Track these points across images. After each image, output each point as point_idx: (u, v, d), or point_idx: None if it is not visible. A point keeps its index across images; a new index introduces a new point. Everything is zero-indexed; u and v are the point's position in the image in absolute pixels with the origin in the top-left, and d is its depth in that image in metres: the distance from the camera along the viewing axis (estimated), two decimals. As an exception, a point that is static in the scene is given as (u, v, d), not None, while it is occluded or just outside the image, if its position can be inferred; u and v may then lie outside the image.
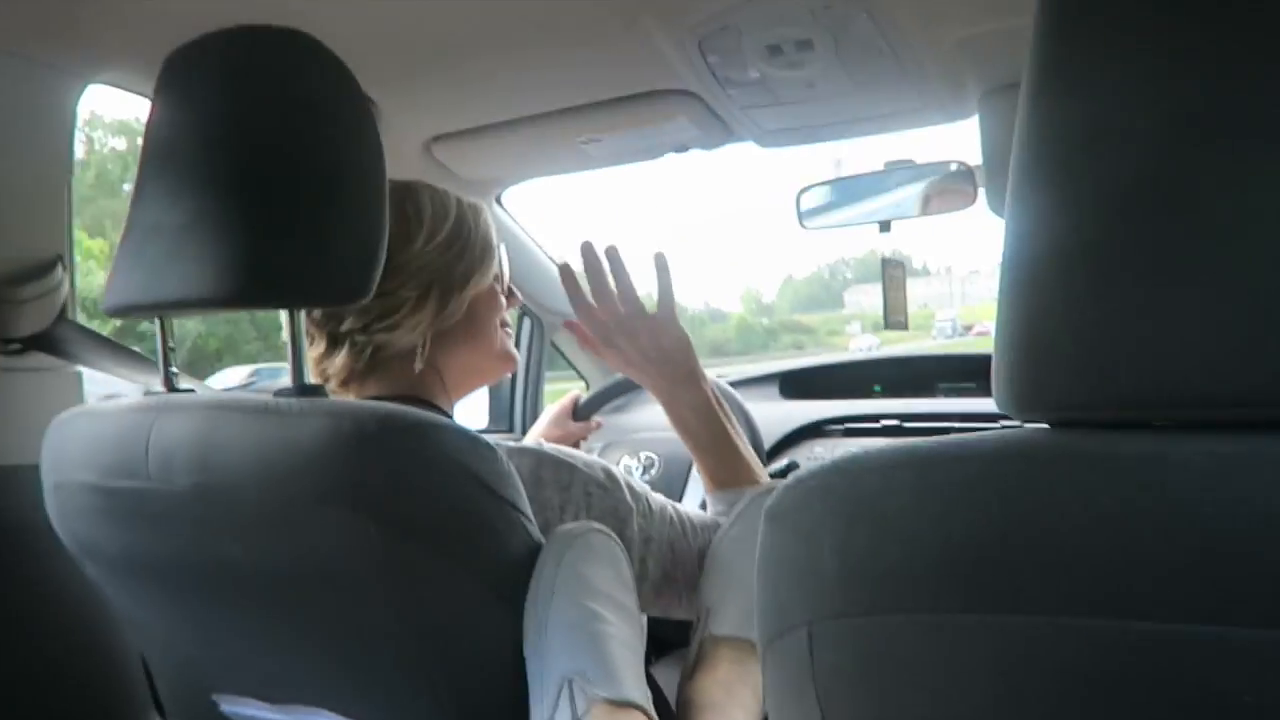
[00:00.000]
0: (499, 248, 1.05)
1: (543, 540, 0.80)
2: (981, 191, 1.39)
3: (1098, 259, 0.45)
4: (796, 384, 2.08)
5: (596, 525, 0.84)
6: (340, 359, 0.96)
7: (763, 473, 1.13)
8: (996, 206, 1.27)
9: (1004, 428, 1.47)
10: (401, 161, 1.51)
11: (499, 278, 1.07)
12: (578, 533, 0.81)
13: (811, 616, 0.52)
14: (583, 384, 2.30)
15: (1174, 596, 0.41)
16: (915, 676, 0.49)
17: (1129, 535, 0.43)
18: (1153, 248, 0.43)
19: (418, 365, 0.97)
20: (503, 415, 2.13)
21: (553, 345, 2.19)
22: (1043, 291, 0.47)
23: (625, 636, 0.80)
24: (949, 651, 0.47)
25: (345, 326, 0.95)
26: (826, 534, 0.52)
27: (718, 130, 1.39)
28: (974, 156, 1.47)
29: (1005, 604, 0.45)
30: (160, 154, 0.82)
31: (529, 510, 0.79)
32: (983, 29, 1.12)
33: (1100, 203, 0.45)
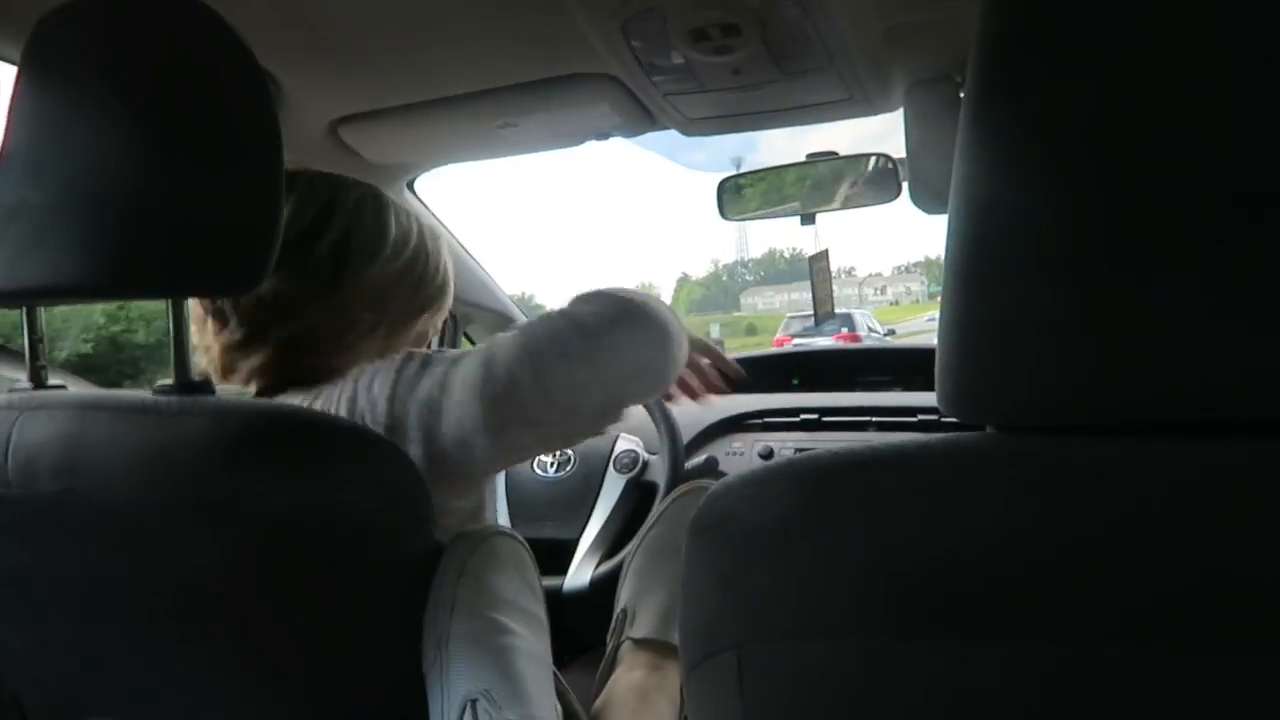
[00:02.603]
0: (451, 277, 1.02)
1: (443, 544, 0.75)
2: (905, 186, 1.37)
3: (1049, 257, 0.43)
4: None
5: (500, 528, 0.79)
6: (264, 359, 0.90)
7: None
8: (920, 201, 1.26)
9: (921, 421, 1.46)
10: (306, 144, 1.43)
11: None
12: (481, 537, 0.76)
13: (741, 639, 0.49)
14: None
15: (1137, 613, 0.39)
16: (853, 706, 0.46)
17: (1086, 548, 0.40)
18: (1106, 245, 0.41)
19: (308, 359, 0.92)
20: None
21: (465, 336, 2.13)
22: (990, 291, 0.45)
23: (533, 649, 0.76)
24: (894, 680, 0.44)
25: (284, 333, 0.89)
26: (758, 548, 0.48)
27: (640, 117, 1.35)
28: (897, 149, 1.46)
29: (957, 627, 0.42)
30: (28, 125, 0.74)
31: (432, 513, 0.74)
32: (911, 19, 1.10)
33: (1050, 200, 0.43)
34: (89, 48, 0.73)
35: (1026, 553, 0.41)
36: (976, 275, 0.45)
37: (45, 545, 0.73)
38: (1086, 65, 0.42)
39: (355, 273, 0.91)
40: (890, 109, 1.31)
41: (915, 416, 1.63)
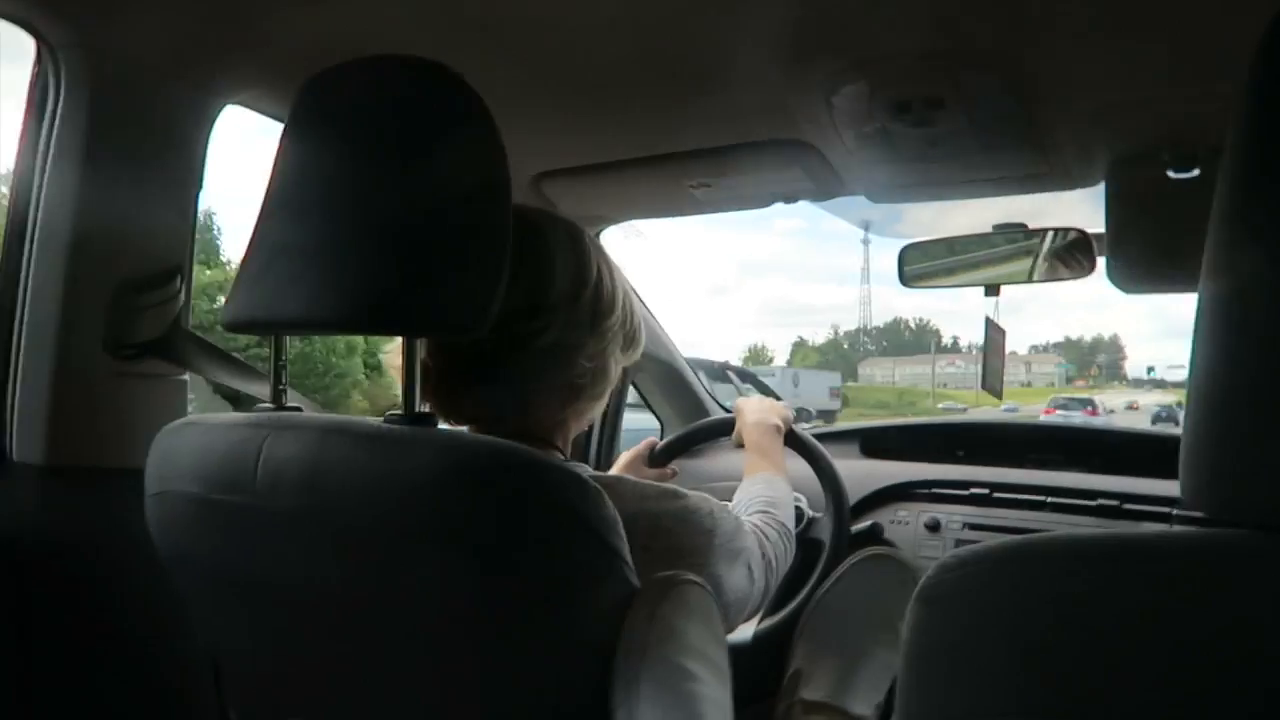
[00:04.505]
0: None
1: (637, 588, 0.77)
2: (1101, 261, 1.34)
3: None
4: (878, 443, 2.03)
5: (690, 576, 0.80)
6: (478, 394, 0.94)
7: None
8: (1119, 280, 1.23)
9: (1101, 506, 1.39)
10: (510, 197, 1.52)
11: None
12: (672, 584, 0.78)
13: (973, 711, 0.49)
14: (658, 425, 2.29)
15: None
16: None
17: None
18: None
19: (549, 411, 0.96)
20: (579, 451, 2.12)
21: (633, 385, 2.18)
22: (1257, 378, 0.44)
23: (718, 697, 0.77)
24: None
25: (559, 381, 0.94)
26: (995, 623, 0.49)
27: (831, 182, 1.38)
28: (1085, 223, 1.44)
29: (1209, 715, 0.42)
30: (291, 175, 0.82)
31: (630, 557, 0.76)
32: (1119, 97, 1.10)
33: None
34: (347, 106, 0.81)
35: None
36: (1239, 360, 0.45)
37: (280, 552, 0.79)
38: None
39: (604, 320, 0.95)
40: (1090, 184, 1.30)
41: (1095, 500, 1.57)
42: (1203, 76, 1.02)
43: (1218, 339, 0.46)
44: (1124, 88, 1.07)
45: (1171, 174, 1.19)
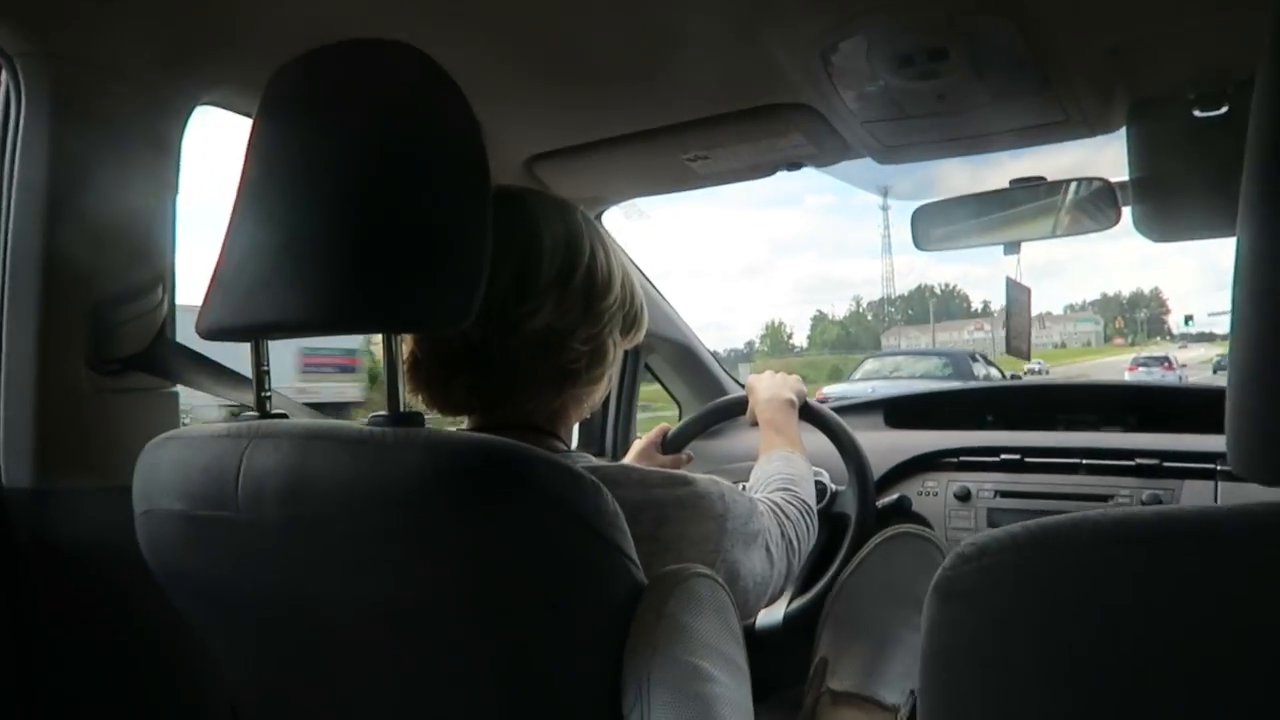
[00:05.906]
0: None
1: (644, 584, 0.73)
2: (1127, 211, 1.27)
3: None
4: (903, 412, 1.97)
5: (700, 569, 0.76)
6: (468, 382, 0.90)
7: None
8: (1146, 229, 1.16)
9: (1140, 466, 1.32)
10: (502, 180, 1.47)
11: None
12: (680, 578, 0.73)
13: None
14: (675, 407, 2.24)
15: None
16: None
17: None
18: None
19: (544, 398, 0.92)
20: (594, 439, 2.08)
21: (647, 368, 2.13)
22: None
23: (734, 698, 0.73)
24: None
25: (552, 369, 0.90)
26: (1023, 621, 0.43)
27: (835, 146, 1.32)
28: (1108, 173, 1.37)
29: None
30: (261, 172, 0.78)
31: (634, 552, 0.72)
32: (1138, 34, 1.03)
33: None
34: (317, 96, 0.77)
35: None
36: None
37: (269, 566, 0.76)
38: None
39: (600, 301, 0.91)
40: (1111, 130, 1.22)
41: (1133, 460, 1.50)
42: (1227, 4, 0.94)
43: (1261, 288, 0.41)
44: (1140, 23, 1.00)
45: (1198, 113, 1.11)
